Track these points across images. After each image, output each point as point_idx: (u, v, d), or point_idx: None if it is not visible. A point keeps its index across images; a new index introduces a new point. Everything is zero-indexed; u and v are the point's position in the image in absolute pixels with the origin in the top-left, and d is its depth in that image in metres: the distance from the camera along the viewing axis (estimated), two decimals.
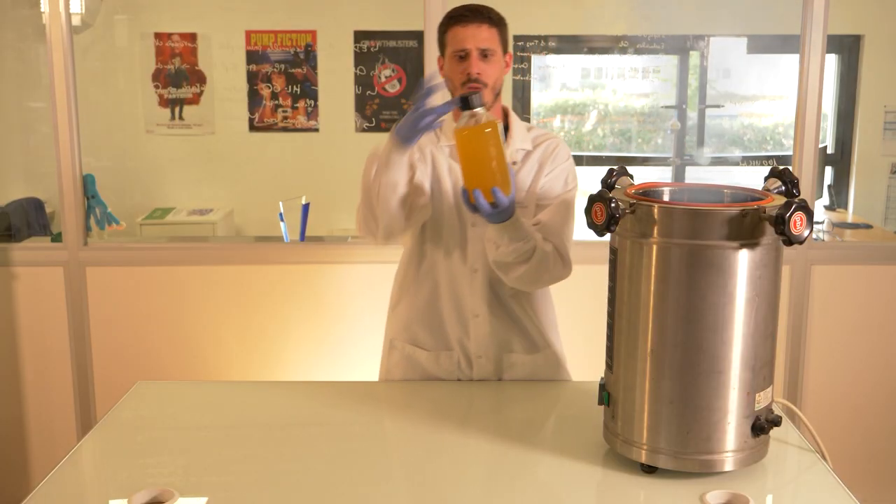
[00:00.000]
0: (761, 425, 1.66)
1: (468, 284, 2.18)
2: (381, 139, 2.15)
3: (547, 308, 2.29)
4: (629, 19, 4.98)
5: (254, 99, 4.86)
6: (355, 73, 4.84)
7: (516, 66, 4.89)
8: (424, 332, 2.24)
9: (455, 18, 2.13)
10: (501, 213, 1.95)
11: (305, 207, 4.03)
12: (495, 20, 2.14)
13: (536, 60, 4.97)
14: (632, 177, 1.83)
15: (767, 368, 1.67)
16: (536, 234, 2.08)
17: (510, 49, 2.20)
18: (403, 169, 2.01)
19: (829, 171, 5.22)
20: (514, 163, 2.15)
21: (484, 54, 2.10)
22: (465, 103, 1.88)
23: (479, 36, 2.10)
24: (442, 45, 2.17)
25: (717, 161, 5.37)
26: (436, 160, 2.17)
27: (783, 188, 1.72)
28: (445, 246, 2.20)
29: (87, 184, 3.24)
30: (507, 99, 4.91)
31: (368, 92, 4.84)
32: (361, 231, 2.15)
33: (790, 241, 1.54)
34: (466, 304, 2.19)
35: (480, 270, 2.17)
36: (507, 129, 2.20)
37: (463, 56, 2.11)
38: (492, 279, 2.18)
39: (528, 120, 5.08)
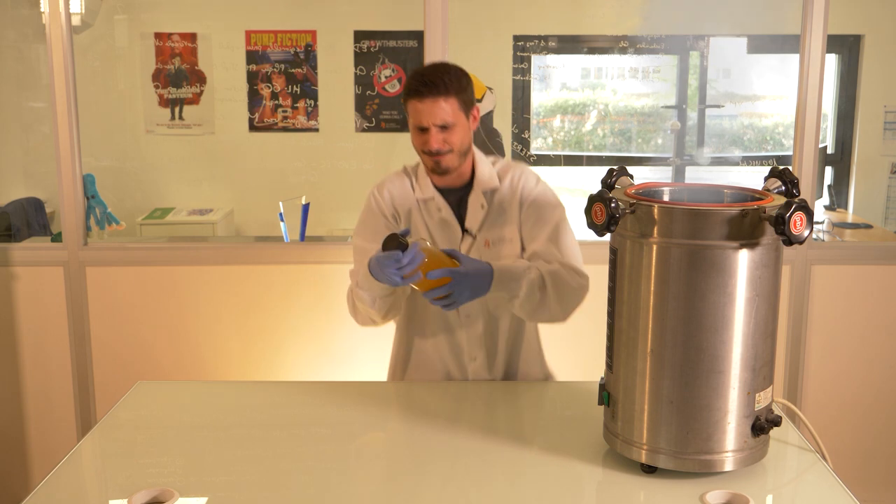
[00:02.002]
0: (761, 425, 1.66)
1: (464, 331, 2.20)
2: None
3: (535, 339, 2.30)
4: (629, 19, 4.97)
5: (254, 99, 4.85)
6: (355, 73, 4.83)
7: (516, 66, 4.89)
8: (419, 374, 2.27)
9: (412, 93, 2.07)
10: (479, 278, 1.97)
11: (305, 207, 4.02)
12: (454, 87, 2.07)
13: (536, 60, 4.96)
14: (632, 177, 1.83)
15: (767, 368, 1.68)
16: (530, 263, 2.08)
17: (475, 103, 2.15)
18: (374, 297, 2.07)
19: (829, 171, 5.22)
20: (483, 206, 2.15)
21: (444, 127, 2.06)
22: (401, 248, 1.90)
23: (436, 112, 2.05)
24: (405, 109, 2.13)
25: (717, 161, 5.36)
26: (412, 223, 2.18)
27: (783, 188, 1.72)
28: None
29: (87, 184, 3.24)
30: (506, 100, 4.93)
31: (368, 92, 4.83)
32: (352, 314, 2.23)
33: (790, 241, 1.54)
34: (464, 349, 2.21)
35: (473, 315, 2.18)
36: (472, 173, 2.17)
37: (423, 129, 2.08)
38: (487, 322, 2.19)
39: (527, 120, 5.08)
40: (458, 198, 2.17)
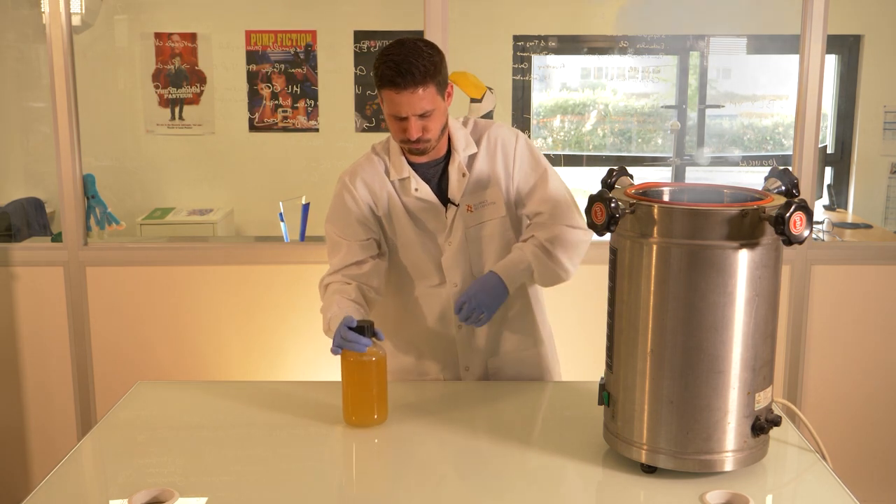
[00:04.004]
0: (761, 425, 1.66)
1: (452, 299, 2.20)
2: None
3: (531, 310, 2.29)
4: (629, 19, 4.97)
5: (254, 99, 4.85)
6: (355, 73, 4.83)
7: (516, 66, 4.89)
8: (407, 359, 2.29)
9: (388, 83, 1.96)
10: (490, 287, 2.07)
11: (305, 207, 4.02)
12: (430, 72, 1.97)
13: (536, 60, 4.97)
14: (632, 177, 1.83)
15: (767, 368, 1.68)
16: (526, 247, 2.11)
17: (449, 81, 2.08)
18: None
19: (829, 171, 5.22)
20: (464, 174, 2.13)
21: (423, 115, 1.99)
22: (362, 331, 1.92)
23: (414, 103, 1.96)
24: (378, 94, 2.03)
25: (717, 161, 5.36)
26: (391, 205, 2.16)
27: (783, 188, 1.72)
28: (421, 273, 2.21)
29: (87, 184, 3.24)
30: (506, 100, 4.93)
31: (368, 92, 4.84)
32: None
33: (790, 241, 1.54)
34: (450, 319, 2.22)
35: (460, 284, 2.19)
36: (449, 142, 2.13)
37: (401, 118, 2.00)
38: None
39: (528, 121, 5.08)
40: (438, 170, 2.14)
